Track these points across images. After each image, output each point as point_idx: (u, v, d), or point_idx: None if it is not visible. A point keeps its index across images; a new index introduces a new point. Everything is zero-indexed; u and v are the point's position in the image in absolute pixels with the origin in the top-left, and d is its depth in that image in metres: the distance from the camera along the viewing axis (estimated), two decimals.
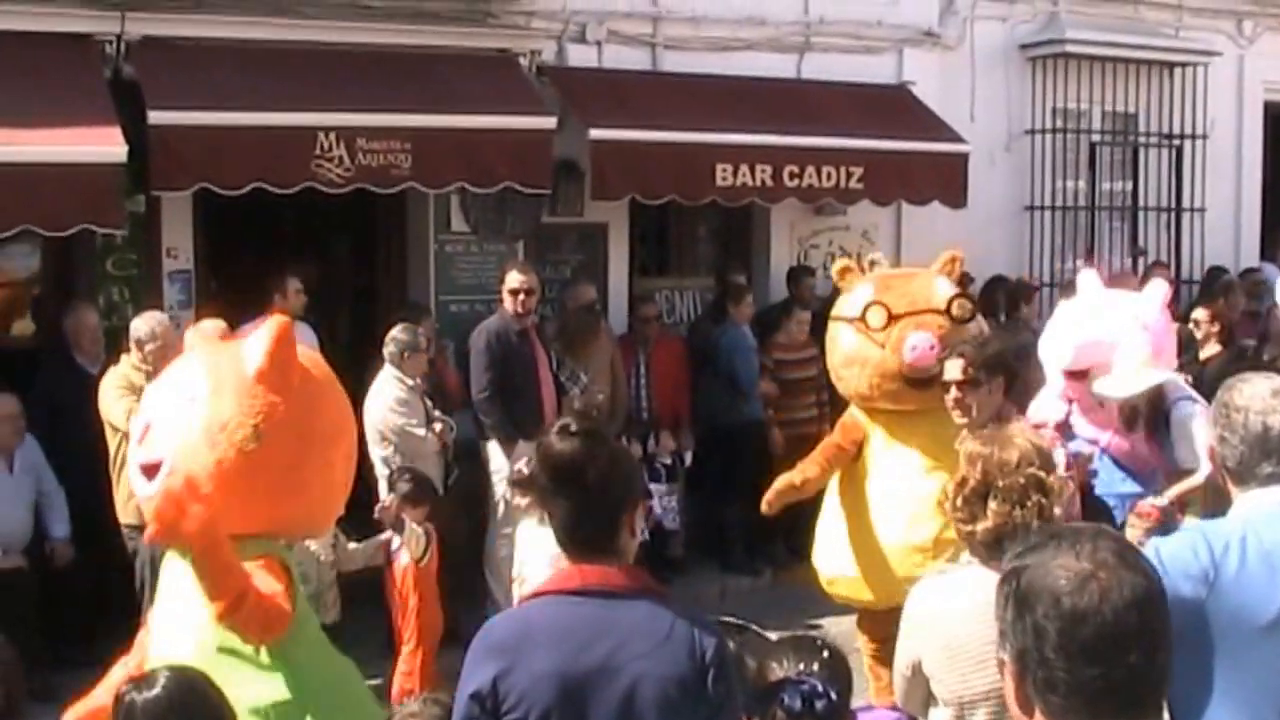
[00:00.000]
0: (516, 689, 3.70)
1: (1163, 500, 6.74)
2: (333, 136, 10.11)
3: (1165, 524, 6.39)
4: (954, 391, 6.61)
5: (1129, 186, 15.08)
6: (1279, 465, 3.99)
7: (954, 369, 6.65)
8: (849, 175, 12.16)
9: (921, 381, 7.55)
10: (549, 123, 10.99)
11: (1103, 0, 14.57)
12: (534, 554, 6.92)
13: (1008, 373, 6.63)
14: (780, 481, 8.04)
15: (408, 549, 8.14)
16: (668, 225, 13.34)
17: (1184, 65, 14.85)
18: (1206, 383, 8.64)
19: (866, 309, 7.88)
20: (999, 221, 13.89)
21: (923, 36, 13.65)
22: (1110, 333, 7.81)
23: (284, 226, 13.15)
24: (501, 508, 10.36)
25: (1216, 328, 10.93)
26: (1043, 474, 4.44)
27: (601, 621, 3.77)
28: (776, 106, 12.24)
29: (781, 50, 12.89)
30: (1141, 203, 15.05)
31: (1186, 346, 10.83)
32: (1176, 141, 14.91)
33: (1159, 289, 8.32)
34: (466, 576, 10.34)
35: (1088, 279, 8.54)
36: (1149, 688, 2.49)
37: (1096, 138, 14.65)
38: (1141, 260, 14.92)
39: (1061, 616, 2.45)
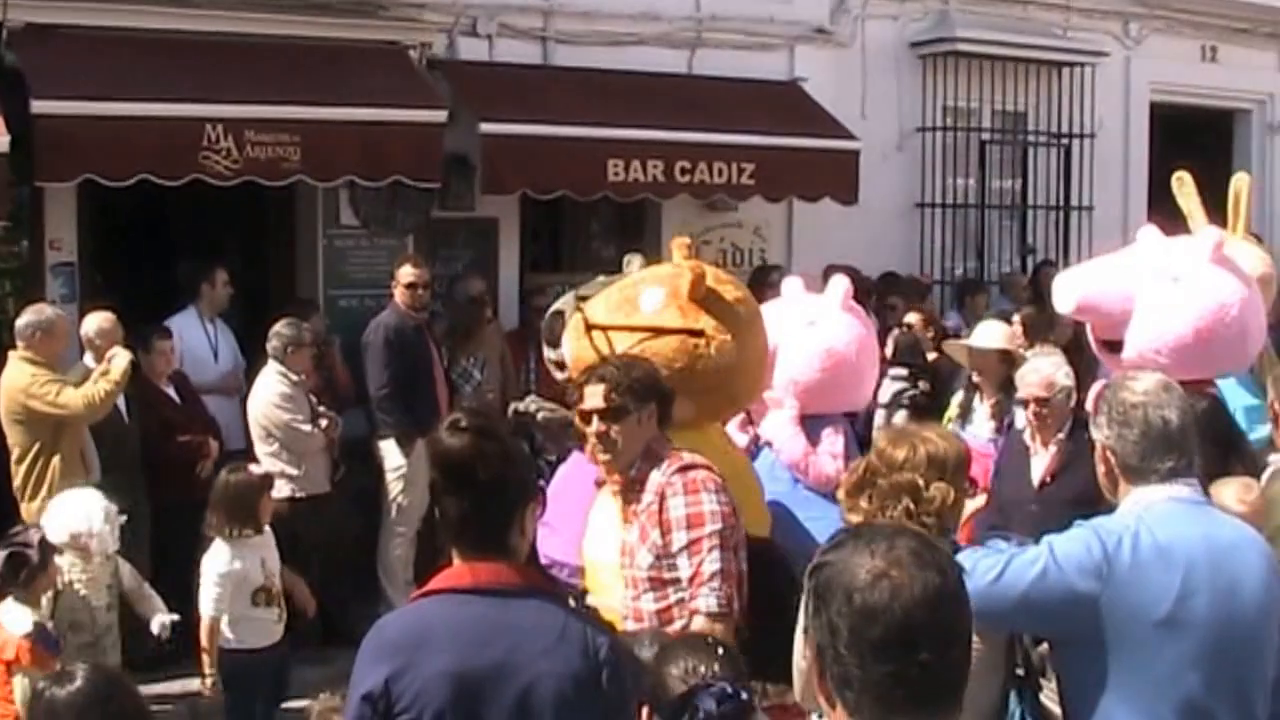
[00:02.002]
0: (410, 689, 3.64)
1: None
2: (220, 128, 9.97)
3: None
4: (595, 423, 5.31)
5: (1018, 185, 15.23)
6: (1178, 460, 4.02)
7: (594, 396, 5.35)
8: (741, 171, 12.17)
9: None
10: (440, 116, 10.90)
11: (993, 0, 14.69)
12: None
13: (660, 398, 5.43)
14: None
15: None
16: (560, 221, 13.28)
17: (1072, 65, 15.01)
18: None
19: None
20: (890, 218, 13.97)
21: (814, 33, 13.68)
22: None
23: (171, 221, 12.97)
24: (395, 508, 10.29)
25: (931, 333, 11.00)
26: (921, 481, 4.41)
27: (496, 620, 3.73)
28: (669, 102, 12.23)
29: (674, 46, 12.88)
30: (1030, 201, 15.20)
31: (911, 349, 10.94)
32: (1065, 140, 15.07)
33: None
34: (357, 577, 10.25)
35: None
36: (944, 685, 2.49)
37: (986, 136, 14.77)
38: (1030, 258, 15.08)
39: (853, 614, 2.46)
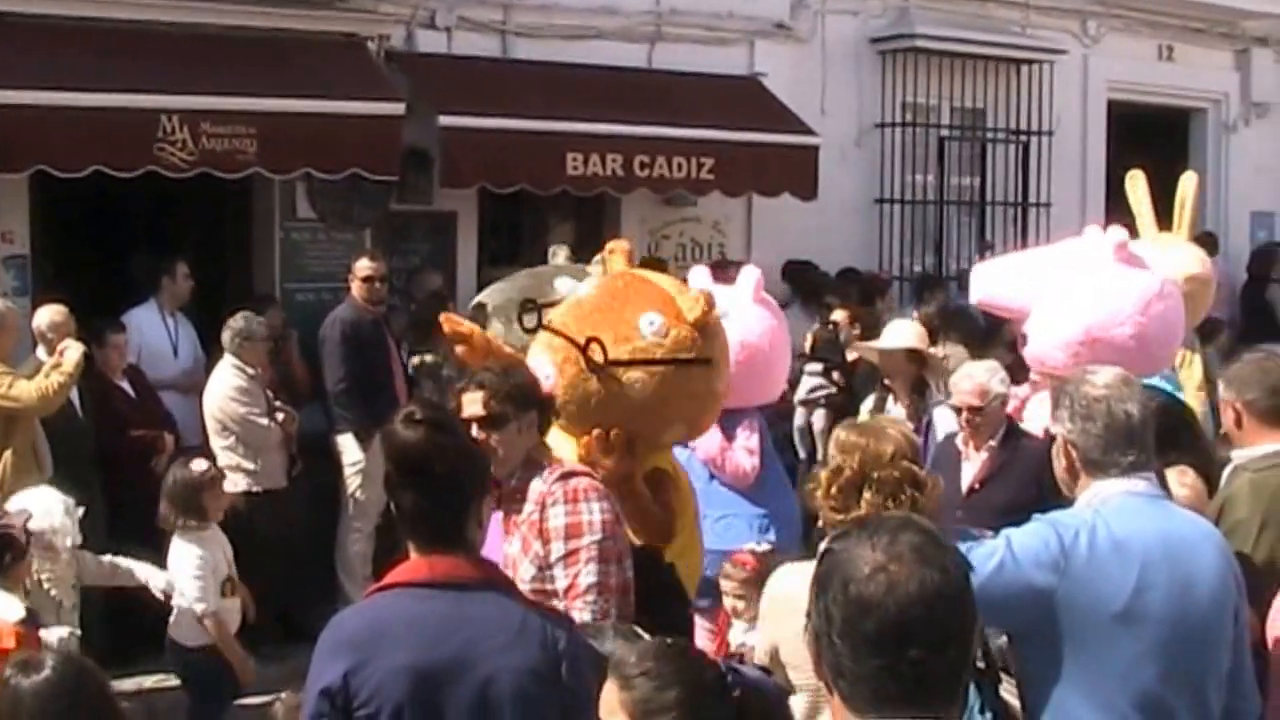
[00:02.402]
0: (369, 684, 3.64)
1: (764, 545, 6.65)
2: (176, 120, 9.89)
3: (763, 574, 6.24)
4: (474, 431, 5.08)
5: (977, 181, 15.27)
6: (1139, 454, 4.04)
7: (473, 403, 5.19)
8: (700, 166, 12.17)
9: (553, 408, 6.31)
10: (398, 109, 10.84)
11: None
12: None
13: (541, 406, 5.30)
14: None
15: None
16: (519, 214, 13.24)
17: (1031, 62, 15.06)
18: None
19: (526, 304, 6.50)
20: (849, 214, 13.98)
21: (774, 29, 13.69)
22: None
23: (125, 213, 12.85)
24: (354, 503, 10.23)
25: (857, 329, 10.91)
26: (916, 468, 4.46)
27: (454, 614, 3.73)
28: (628, 96, 12.21)
29: (633, 40, 12.85)
30: (989, 197, 15.23)
31: (829, 345, 10.92)
32: (1023, 137, 15.12)
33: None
34: (315, 573, 10.19)
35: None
36: (936, 683, 2.48)
37: (945, 132, 14.80)
38: (989, 254, 15.09)
39: (848, 604, 2.47)
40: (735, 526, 7.23)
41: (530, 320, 6.23)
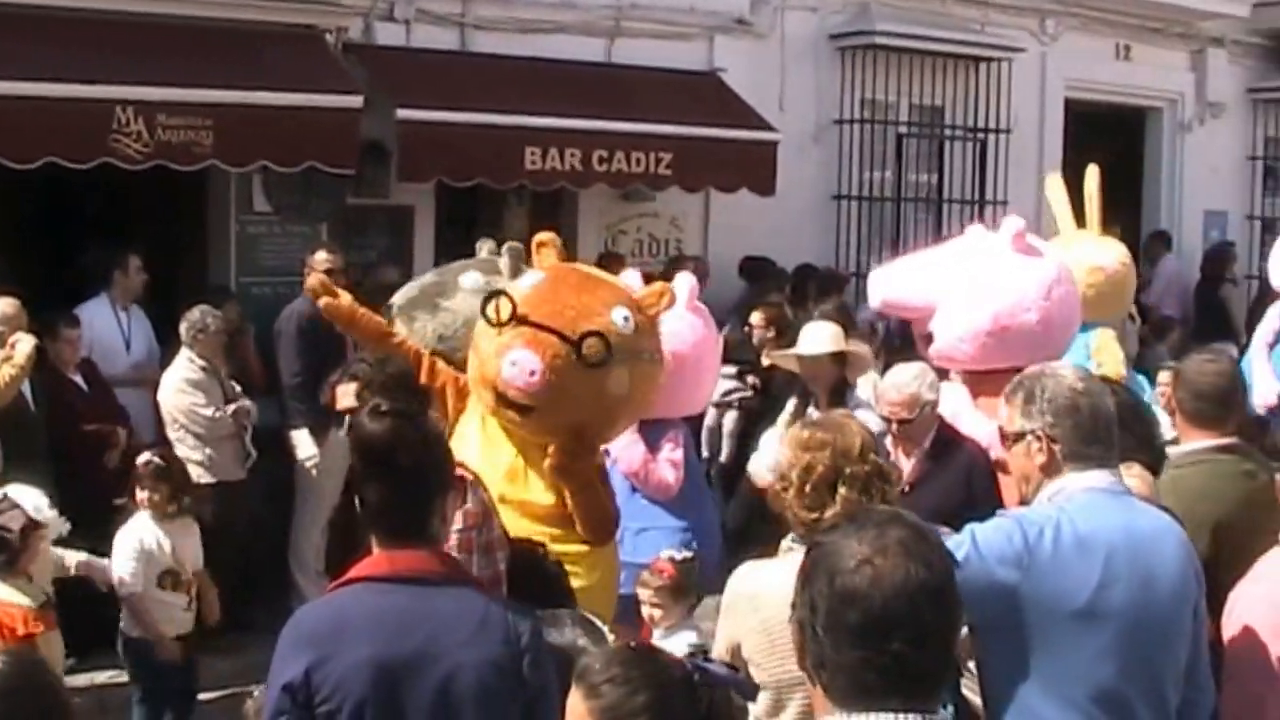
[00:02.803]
0: (331, 679, 3.63)
1: (685, 552, 6.54)
2: (131, 111, 9.79)
3: (681, 582, 6.32)
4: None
5: (934, 178, 15.34)
6: (1105, 449, 4.07)
7: (346, 395, 5.12)
8: (659, 161, 12.15)
9: (516, 406, 6.01)
10: (355, 102, 10.76)
11: None
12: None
13: (418, 397, 5.13)
14: None
15: None
16: (476, 209, 13.19)
17: (989, 60, 15.12)
18: None
19: (494, 297, 6.15)
20: (807, 210, 13.99)
21: (734, 24, 13.70)
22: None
23: (79, 206, 12.75)
24: (308, 498, 10.17)
25: (772, 333, 10.67)
26: (884, 462, 4.48)
27: (416, 609, 3.73)
28: (587, 91, 12.19)
29: (592, 34, 12.84)
30: (946, 194, 15.28)
31: (741, 346, 10.84)
32: (981, 135, 15.17)
33: None
34: (268, 567, 10.13)
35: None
36: (917, 677, 2.51)
37: (903, 129, 14.85)
38: None
39: (833, 596, 2.51)
40: (655, 540, 7.02)
41: (505, 312, 6.03)
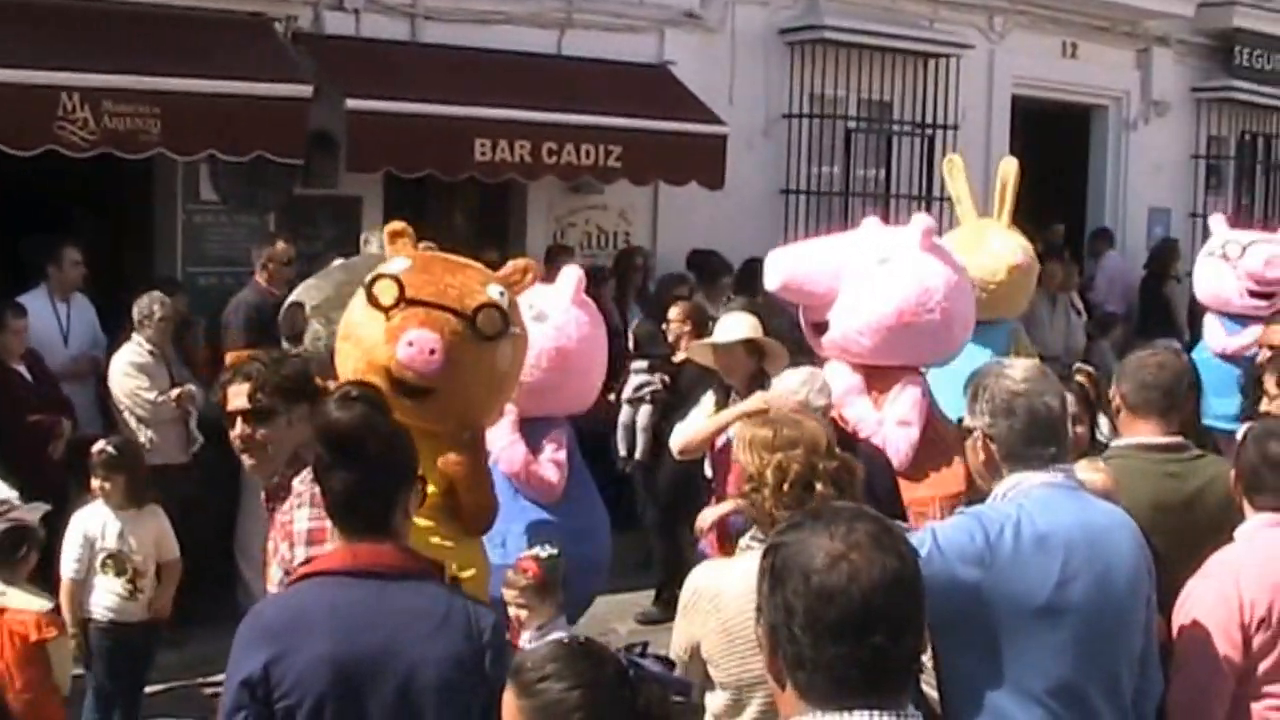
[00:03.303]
0: (290, 675, 3.59)
1: (550, 549, 6.36)
2: (77, 98, 9.73)
3: (546, 580, 6.22)
4: (240, 426, 4.86)
5: (882, 174, 15.40)
6: (1054, 448, 4.09)
7: (239, 396, 4.90)
8: (608, 154, 12.17)
9: (413, 390, 5.83)
10: (305, 91, 10.73)
11: None
12: None
13: (312, 398, 4.94)
14: None
15: None
16: (424, 199, 13.14)
17: (937, 57, 15.21)
18: None
19: (378, 280, 5.97)
20: (755, 204, 14.01)
21: (684, 18, 13.73)
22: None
23: (24, 194, 12.60)
24: (255, 488, 10.09)
25: (689, 327, 10.21)
26: (849, 456, 4.49)
27: (377, 603, 3.69)
28: (537, 83, 12.17)
29: (543, 26, 12.83)
30: (894, 190, 15.34)
31: (650, 339, 10.76)
32: (929, 131, 15.24)
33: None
34: (212, 558, 10.05)
35: None
36: (894, 670, 2.53)
37: (852, 124, 14.91)
38: None
39: (810, 594, 2.50)
40: (539, 542, 6.72)
41: (392, 295, 5.81)
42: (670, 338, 10.24)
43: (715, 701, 4.43)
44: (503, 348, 5.89)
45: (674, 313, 10.39)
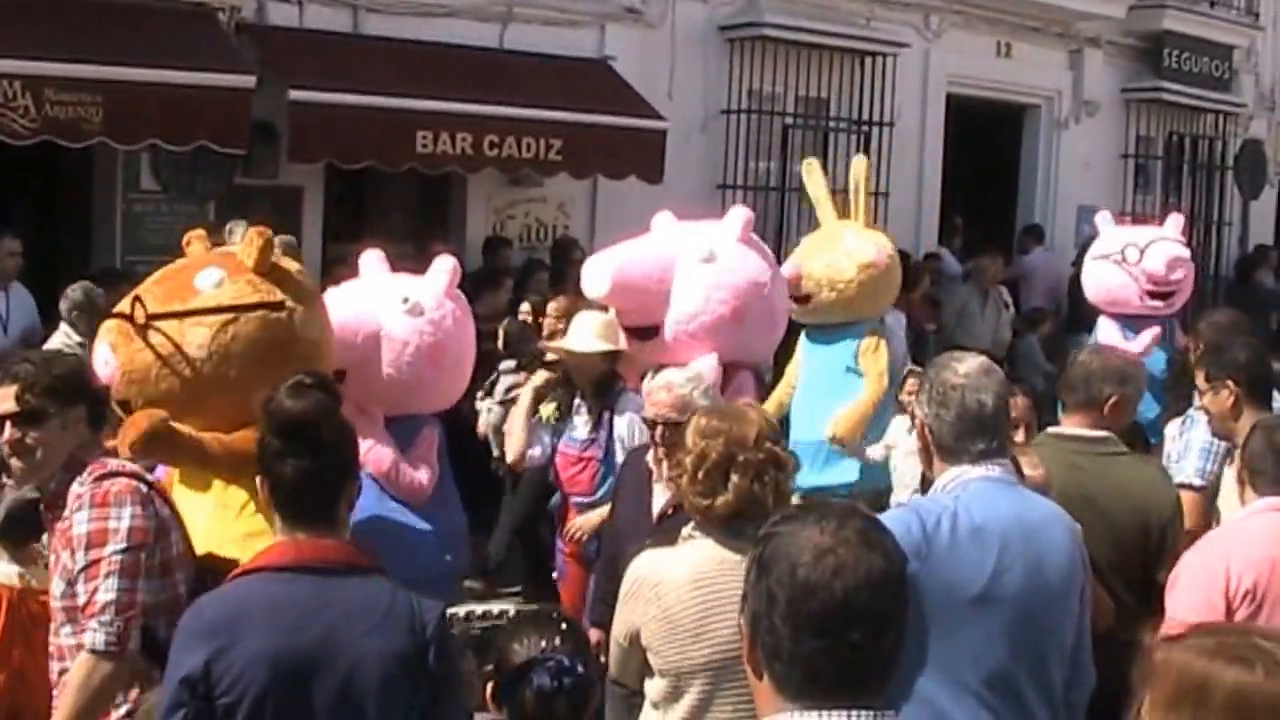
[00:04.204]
0: (231, 671, 3.56)
1: None
2: (19, 85, 9.71)
3: None
4: (8, 430, 4.57)
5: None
6: (990, 442, 4.16)
7: (5, 398, 4.58)
8: (548, 147, 12.23)
9: (121, 406, 5.51)
10: (248, 81, 10.72)
11: None
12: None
13: (91, 399, 4.73)
14: None
15: None
16: (363, 190, 13.19)
17: (874, 55, 15.33)
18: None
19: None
20: (693, 199, 14.00)
21: (625, 13, 13.80)
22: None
23: None
24: None
25: (564, 325, 9.35)
26: (779, 450, 4.46)
27: (319, 599, 3.67)
28: (478, 75, 12.22)
29: (484, 19, 12.86)
30: (830, 185, 15.40)
31: (519, 337, 10.25)
32: (865, 127, 15.35)
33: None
34: None
35: None
36: (872, 668, 2.54)
37: (789, 120, 15.00)
38: None
39: (793, 586, 2.50)
40: (410, 544, 6.39)
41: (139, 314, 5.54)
42: (545, 332, 9.62)
43: (654, 689, 4.45)
44: (191, 333, 5.49)
45: (553, 308, 9.83)
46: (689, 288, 7.49)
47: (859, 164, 9.55)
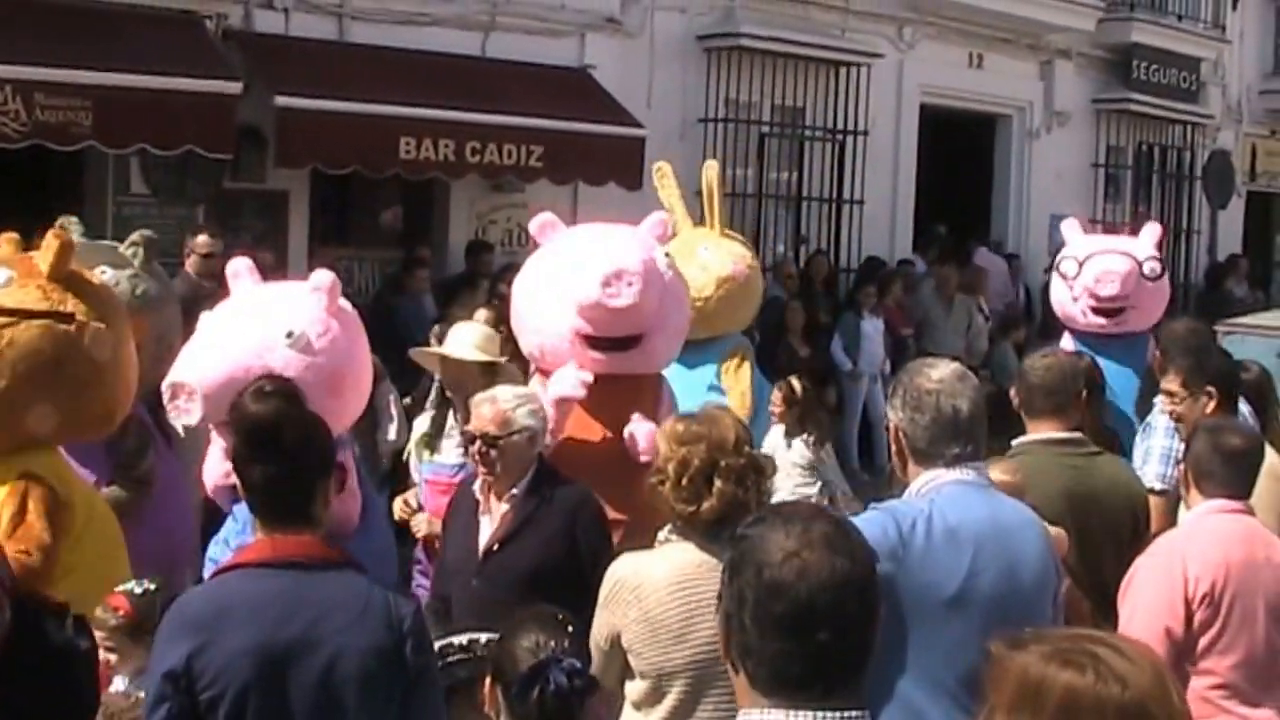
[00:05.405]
0: (212, 667, 3.61)
1: (147, 585, 5.08)
2: (9, 89, 9.85)
3: (140, 621, 5.00)
4: None
5: (794, 177, 15.71)
6: (965, 446, 4.20)
7: None
8: (530, 154, 12.39)
9: None
10: (234, 87, 10.89)
11: (776, 0, 15.15)
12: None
13: None
14: None
15: None
16: (348, 194, 13.35)
17: (848, 65, 15.55)
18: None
19: None
20: None
21: (605, 23, 13.99)
22: None
23: None
24: None
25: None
26: (758, 454, 4.54)
27: (298, 594, 3.73)
28: (461, 83, 12.40)
29: (467, 28, 13.04)
30: (805, 193, 15.67)
31: None
32: (839, 136, 15.59)
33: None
34: None
35: None
36: (839, 667, 2.61)
37: (766, 129, 15.24)
38: (804, 248, 15.56)
39: (761, 587, 2.59)
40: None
41: None
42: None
43: (635, 690, 4.45)
44: None
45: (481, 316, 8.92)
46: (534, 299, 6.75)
47: (710, 168, 9.11)
